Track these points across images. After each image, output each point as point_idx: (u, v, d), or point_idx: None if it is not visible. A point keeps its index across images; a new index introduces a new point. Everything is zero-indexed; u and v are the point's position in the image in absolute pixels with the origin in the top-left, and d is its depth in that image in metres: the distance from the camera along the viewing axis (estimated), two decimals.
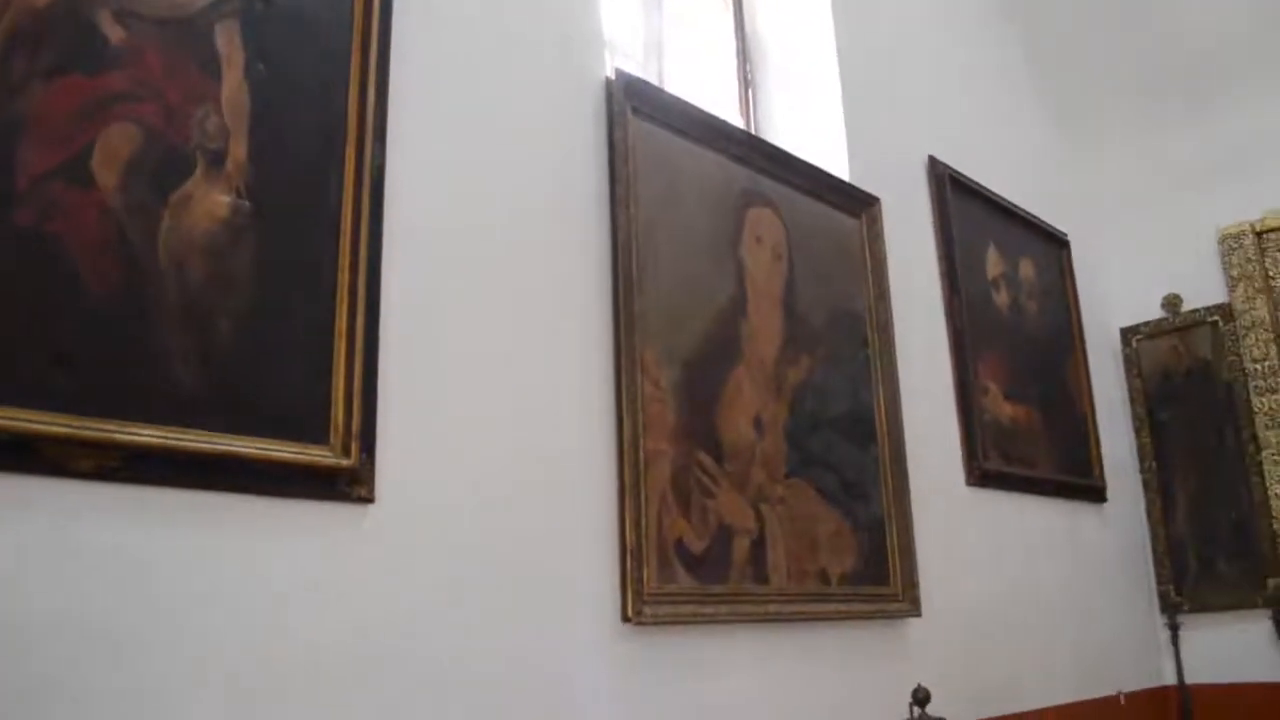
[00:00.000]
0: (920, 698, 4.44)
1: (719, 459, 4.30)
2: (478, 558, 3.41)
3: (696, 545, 4.10)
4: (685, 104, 4.64)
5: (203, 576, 2.67)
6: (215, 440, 2.68)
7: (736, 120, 5.71)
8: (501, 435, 3.59)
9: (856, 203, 5.54)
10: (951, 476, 5.91)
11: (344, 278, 3.10)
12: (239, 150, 2.93)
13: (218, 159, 2.88)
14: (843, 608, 4.74)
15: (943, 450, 5.87)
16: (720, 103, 5.75)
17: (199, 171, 2.83)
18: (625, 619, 3.78)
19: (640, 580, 3.81)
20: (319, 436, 2.96)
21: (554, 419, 3.78)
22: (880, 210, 5.64)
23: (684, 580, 4.01)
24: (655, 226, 4.29)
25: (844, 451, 4.98)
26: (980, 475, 6.02)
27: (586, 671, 3.66)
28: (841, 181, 5.50)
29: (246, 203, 2.93)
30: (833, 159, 5.66)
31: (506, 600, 3.46)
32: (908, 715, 4.46)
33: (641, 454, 3.92)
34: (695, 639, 4.07)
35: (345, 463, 2.98)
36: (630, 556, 3.80)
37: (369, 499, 3.07)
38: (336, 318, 3.06)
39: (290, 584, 2.87)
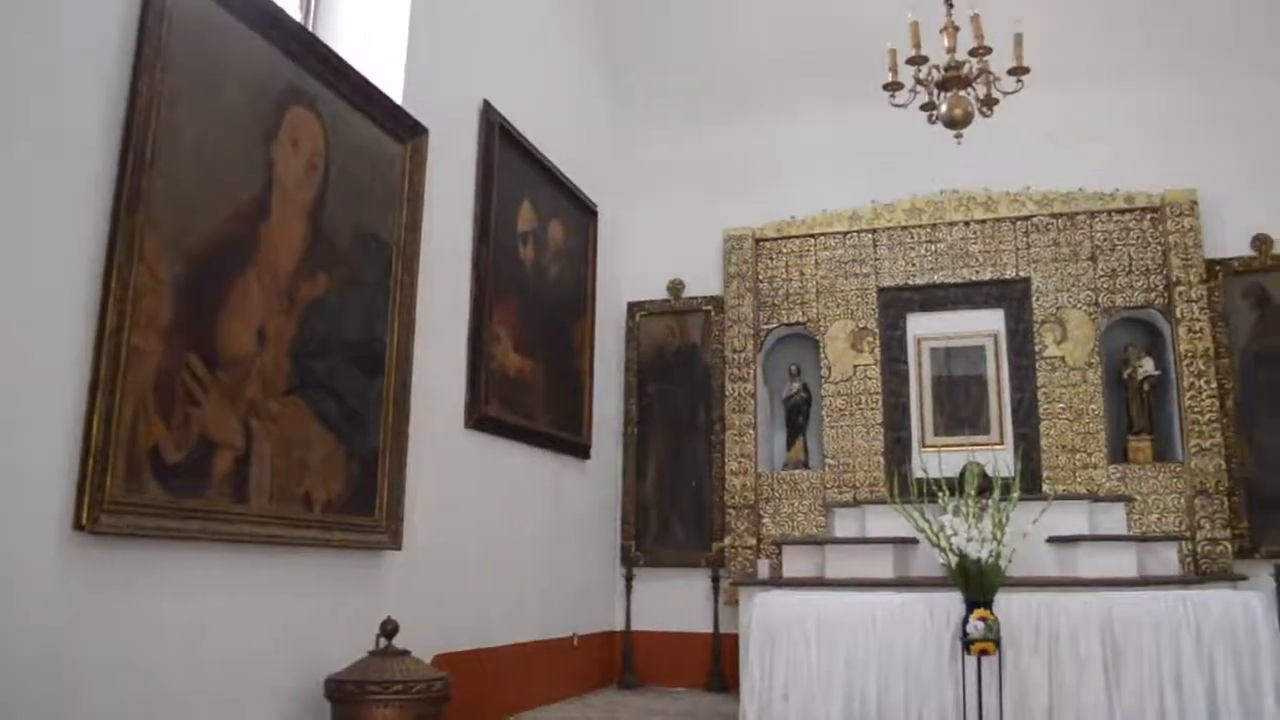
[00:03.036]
0: (388, 630, 4.46)
1: (213, 367, 4.00)
2: None
3: (173, 455, 3.79)
4: None
5: None
6: None
7: (294, 12, 5.33)
8: None
9: (405, 129, 5.41)
10: (452, 417, 6.00)
11: None
12: None
13: None
14: (323, 535, 4.63)
15: (448, 391, 5.93)
16: None
17: None
18: (79, 526, 3.40)
19: (102, 486, 3.44)
20: None
21: (22, 285, 3.29)
22: (427, 142, 5.56)
23: (154, 491, 3.69)
24: (182, 101, 3.89)
25: (349, 378, 4.86)
26: (480, 419, 6.17)
27: (28, 580, 3.25)
28: (394, 104, 5.35)
29: None
30: (389, 80, 5.49)
31: None
32: (374, 646, 4.45)
33: (124, 348, 3.55)
34: (161, 554, 3.76)
35: None
36: (94, 459, 3.42)
37: None
38: None
39: None
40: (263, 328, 4.29)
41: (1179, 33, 7.72)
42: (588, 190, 7.94)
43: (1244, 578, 6.98)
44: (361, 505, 4.92)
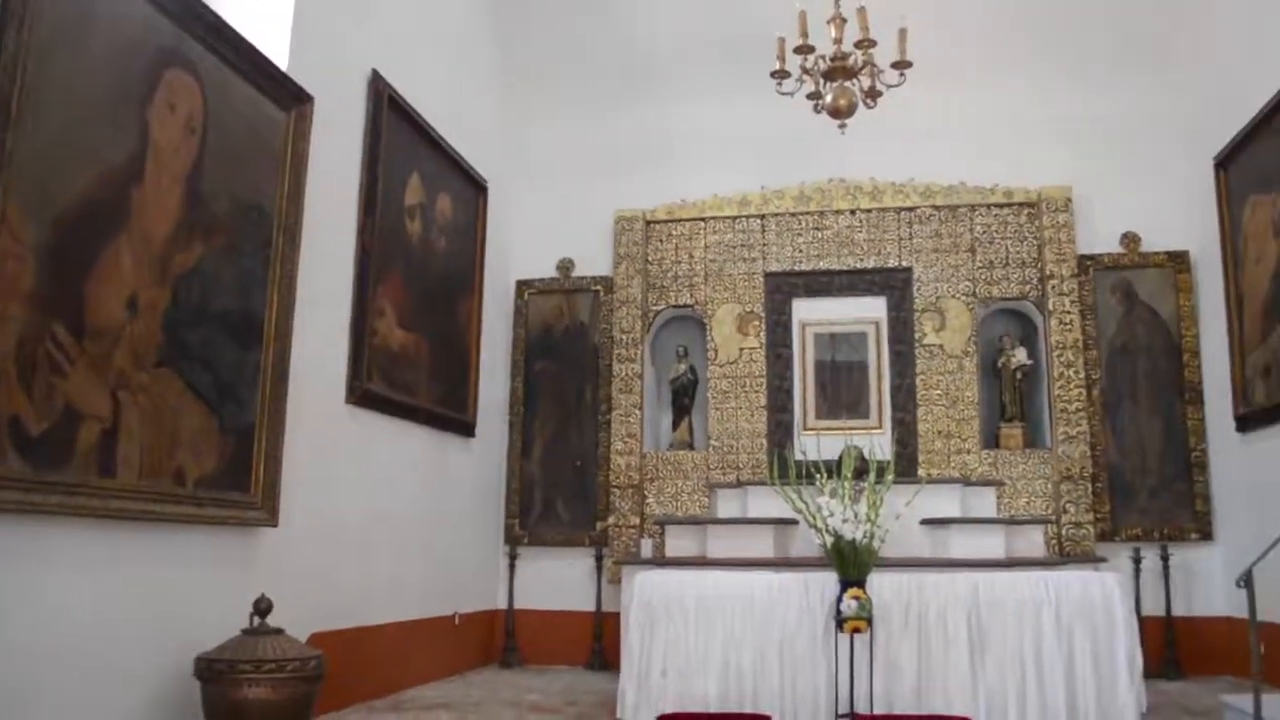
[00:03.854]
0: (262, 608, 4.37)
1: (79, 336, 3.85)
2: None
3: (35, 427, 3.63)
4: None
5: None
6: None
7: None
8: None
9: (289, 96, 5.27)
10: (333, 392, 5.89)
11: None
12: None
13: None
14: (196, 511, 4.50)
15: (328, 365, 5.82)
16: None
17: None
18: None
19: None
20: None
21: None
22: (312, 110, 5.42)
23: (14, 463, 3.53)
24: (52, 57, 3.71)
25: (225, 350, 4.72)
26: (361, 395, 6.07)
27: None
28: (279, 70, 5.20)
29: None
30: (274, 45, 5.33)
31: None
32: (247, 625, 4.36)
33: None
34: (22, 529, 3.60)
35: None
36: None
37: None
38: None
39: None
40: (134, 296, 4.14)
41: (1059, 36, 7.97)
42: (478, 166, 7.85)
43: (1104, 559, 7.30)
44: (236, 481, 4.80)
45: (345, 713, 5.59)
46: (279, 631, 4.33)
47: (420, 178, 6.94)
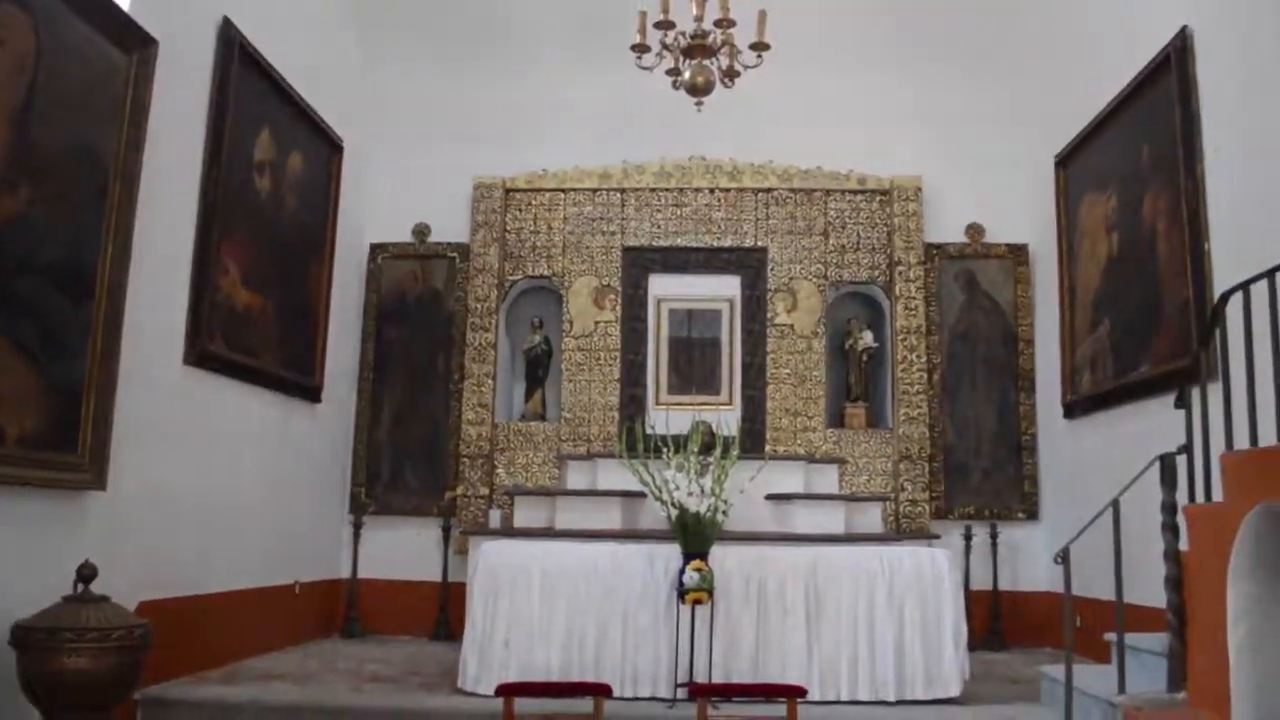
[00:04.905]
0: (85, 574, 4.17)
1: None
2: None
3: None
4: None
5: None
6: None
7: None
8: None
9: (131, 38, 4.99)
10: (170, 352, 5.65)
11: None
12: None
13: None
14: (15, 471, 4.25)
15: (166, 323, 5.58)
16: None
17: None
18: None
19: None
20: None
21: None
22: (156, 54, 5.15)
23: None
24: None
25: (52, 302, 4.47)
26: (201, 355, 5.84)
27: None
28: (120, 10, 4.92)
29: None
30: None
31: None
32: (71, 591, 4.16)
33: None
34: None
35: None
36: None
37: None
38: None
39: None
40: None
41: (917, 30, 8.14)
42: (334, 124, 7.62)
43: (937, 536, 7.61)
44: (62, 441, 4.56)
45: (173, 683, 5.40)
46: (104, 599, 4.15)
47: (272, 133, 6.69)
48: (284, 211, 6.94)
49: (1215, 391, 4.15)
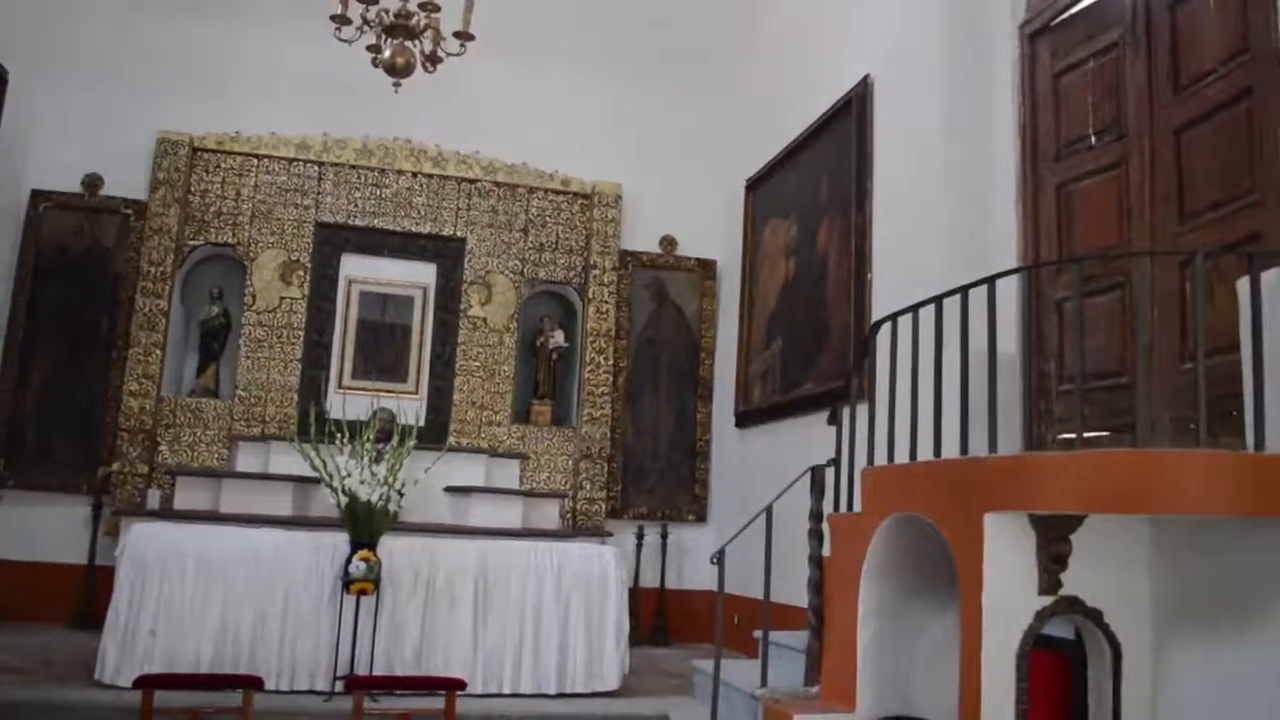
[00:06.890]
0: None
1: None
2: None
3: None
4: None
5: None
6: None
7: None
8: None
9: None
10: None
11: None
12: None
13: None
14: None
15: None
16: None
17: None
18: None
19: None
20: None
21: None
22: None
23: None
24: None
25: None
26: None
27: None
28: None
29: None
30: None
31: None
32: None
33: None
34: None
35: None
36: None
37: None
38: None
39: None
40: None
41: (631, 42, 8.36)
42: None
43: (611, 534, 7.83)
44: None
45: None
46: None
47: None
48: None
49: (865, 412, 4.51)
